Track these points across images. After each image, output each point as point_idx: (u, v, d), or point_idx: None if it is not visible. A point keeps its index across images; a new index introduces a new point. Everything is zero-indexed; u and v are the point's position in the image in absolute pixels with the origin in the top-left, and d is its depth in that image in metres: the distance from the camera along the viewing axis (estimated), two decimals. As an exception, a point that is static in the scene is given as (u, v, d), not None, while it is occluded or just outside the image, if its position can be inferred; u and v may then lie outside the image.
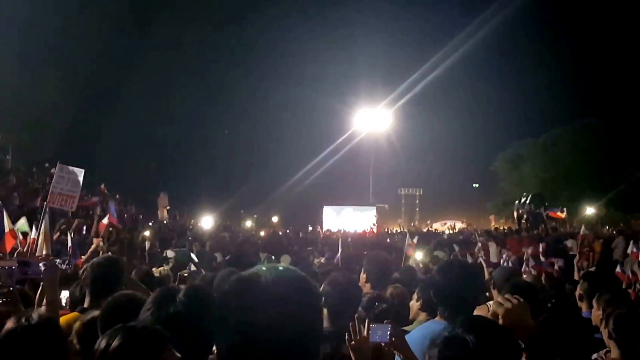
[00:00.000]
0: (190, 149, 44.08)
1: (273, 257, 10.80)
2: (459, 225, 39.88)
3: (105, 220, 10.36)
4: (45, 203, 6.82)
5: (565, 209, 24.63)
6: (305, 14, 47.90)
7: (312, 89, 44.78)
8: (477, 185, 47.94)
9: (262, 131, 46.50)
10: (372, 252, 5.67)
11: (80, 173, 7.03)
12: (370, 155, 43.68)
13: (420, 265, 8.89)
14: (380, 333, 2.43)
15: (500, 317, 2.14)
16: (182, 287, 1.99)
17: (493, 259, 10.20)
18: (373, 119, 41.65)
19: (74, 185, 6.92)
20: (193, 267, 8.48)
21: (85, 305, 3.52)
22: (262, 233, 25.13)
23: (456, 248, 12.68)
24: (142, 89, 37.92)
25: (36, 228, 6.51)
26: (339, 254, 9.91)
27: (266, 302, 1.36)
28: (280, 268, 1.47)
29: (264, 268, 1.46)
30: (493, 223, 36.09)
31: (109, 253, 6.91)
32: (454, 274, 2.93)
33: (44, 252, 5.73)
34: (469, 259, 9.85)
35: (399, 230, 31.65)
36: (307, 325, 1.41)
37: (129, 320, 1.77)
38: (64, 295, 4.27)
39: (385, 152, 43.69)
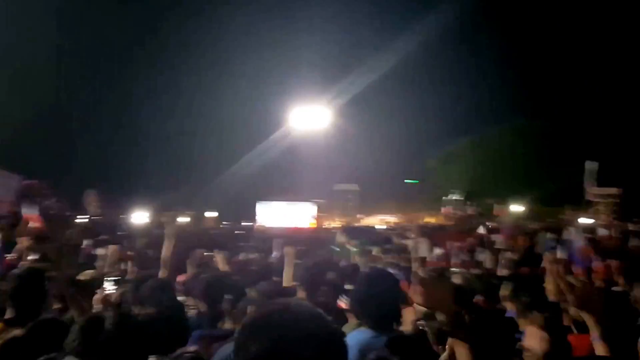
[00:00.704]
0: (122, 142, 43.08)
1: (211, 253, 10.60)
2: (393, 220, 40.50)
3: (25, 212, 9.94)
4: None
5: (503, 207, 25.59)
6: (243, 9, 47.59)
7: (250, 85, 44.73)
8: (413, 181, 48.80)
9: (198, 125, 45.93)
10: (304, 259, 5.59)
11: (15, 179, 6.89)
12: (307, 152, 43.77)
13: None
14: None
15: (420, 301, 2.22)
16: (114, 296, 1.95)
17: (424, 254, 10.41)
18: (310, 116, 41.76)
19: (6, 191, 6.77)
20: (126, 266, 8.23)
21: (9, 315, 3.37)
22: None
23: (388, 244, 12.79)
24: (71, 80, 36.75)
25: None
26: (277, 252, 9.86)
27: (292, 340, 1.33)
28: (302, 305, 1.45)
29: (287, 303, 1.42)
30: (426, 218, 36.90)
31: (37, 254, 6.73)
32: (373, 285, 2.96)
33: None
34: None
35: (336, 226, 31.81)
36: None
37: (53, 347, 1.72)
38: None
39: (321, 148, 43.90)
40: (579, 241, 9.22)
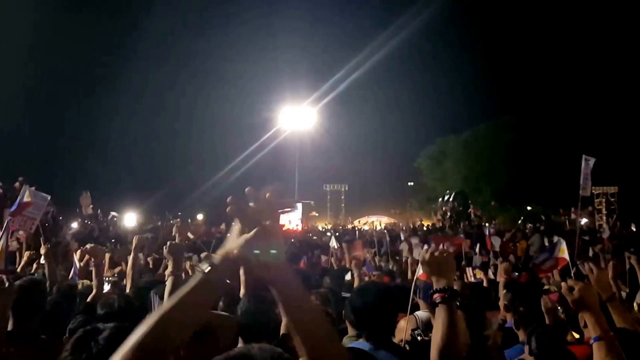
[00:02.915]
0: (113, 145, 42.86)
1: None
2: (384, 220, 40.42)
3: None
4: (7, 221, 7.16)
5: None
6: (228, 10, 47.54)
7: (237, 86, 44.70)
8: (412, 183, 48.18)
9: (187, 128, 45.86)
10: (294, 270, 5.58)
11: (46, 199, 7.42)
12: (296, 152, 43.70)
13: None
14: None
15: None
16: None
17: (417, 256, 10.36)
18: (298, 117, 41.73)
19: (37, 209, 7.29)
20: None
21: (10, 327, 3.37)
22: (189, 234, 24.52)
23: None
24: (59, 83, 36.47)
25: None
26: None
27: None
28: (265, 350, 1.36)
29: (248, 350, 1.35)
30: (423, 220, 36.66)
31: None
32: (369, 298, 2.97)
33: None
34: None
35: (326, 227, 31.66)
36: None
37: None
38: None
39: (310, 148, 43.83)
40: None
